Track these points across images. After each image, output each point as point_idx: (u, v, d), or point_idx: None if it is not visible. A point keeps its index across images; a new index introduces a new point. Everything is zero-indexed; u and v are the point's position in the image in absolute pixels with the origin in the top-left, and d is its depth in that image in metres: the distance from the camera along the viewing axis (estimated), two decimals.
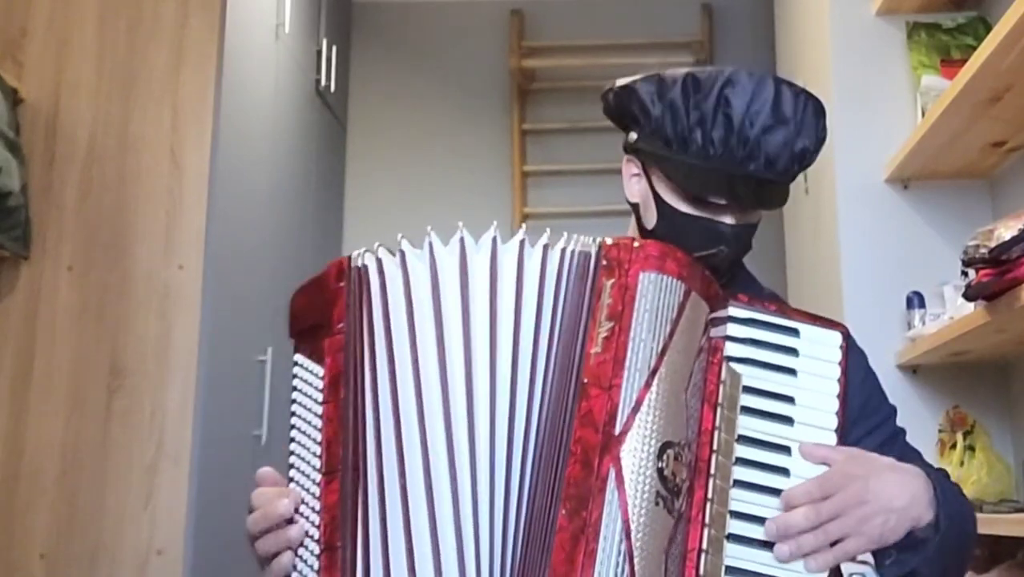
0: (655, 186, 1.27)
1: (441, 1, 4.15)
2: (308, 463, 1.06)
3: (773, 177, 1.22)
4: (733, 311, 1.10)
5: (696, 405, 1.04)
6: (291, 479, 1.07)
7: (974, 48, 2.04)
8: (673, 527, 0.98)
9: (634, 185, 1.31)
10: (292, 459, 1.07)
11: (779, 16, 3.42)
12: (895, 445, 1.26)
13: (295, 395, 1.09)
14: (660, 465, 0.98)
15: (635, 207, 1.32)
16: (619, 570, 0.93)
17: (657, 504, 0.97)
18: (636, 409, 0.98)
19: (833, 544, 1.03)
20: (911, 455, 1.27)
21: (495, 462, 1.00)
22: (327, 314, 1.08)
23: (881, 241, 2.51)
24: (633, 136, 1.29)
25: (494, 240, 1.06)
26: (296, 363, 1.11)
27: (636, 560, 0.94)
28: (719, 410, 1.05)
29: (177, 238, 2.51)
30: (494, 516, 0.99)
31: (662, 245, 1.06)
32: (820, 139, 1.26)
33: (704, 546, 1.00)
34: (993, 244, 1.73)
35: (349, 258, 1.10)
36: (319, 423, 1.05)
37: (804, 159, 1.24)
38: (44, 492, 2.40)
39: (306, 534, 1.04)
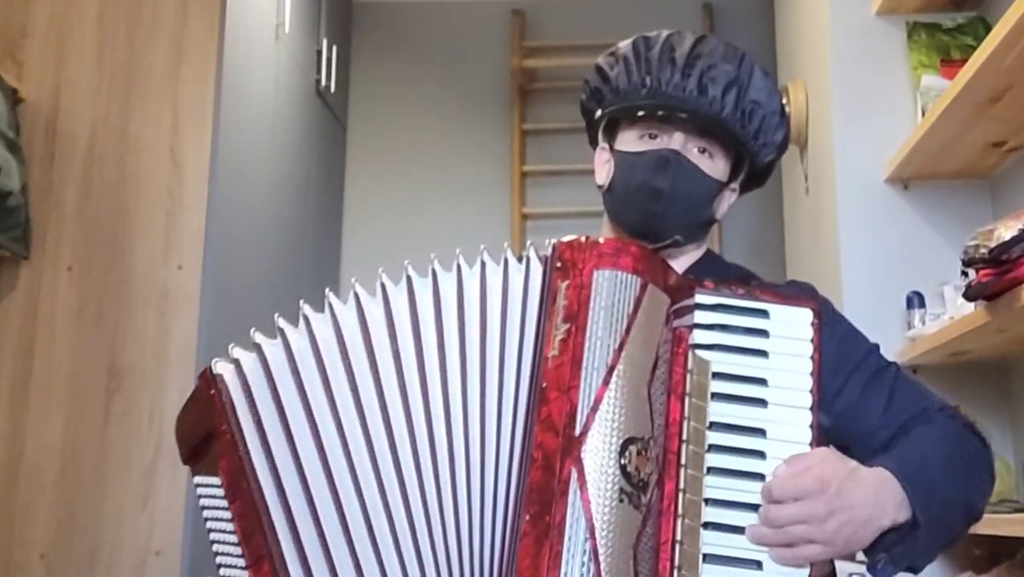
0: (617, 148, 1.32)
1: (441, 1, 4.15)
2: (236, 566, 1.07)
3: (719, 118, 1.26)
4: (700, 298, 1.10)
5: (661, 398, 1.04)
6: None
7: (974, 48, 2.04)
8: (641, 522, 0.98)
9: (603, 169, 1.36)
10: (222, 571, 1.09)
11: (779, 16, 3.42)
12: (882, 384, 1.24)
13: (206, 513, 1.11)
14: (623, 462, 0.97)
15: (602, 190, 1.35)
16: (584, 569, 0.94)
17: (621, 500, 0.97)
18: (595, 408, 0.99)
19: (798, 544, 1.02)
20: (905, 391, 1.25)
21: (470, 485, 1.02)
22: (211, 423, 1.10)
23: (881, 241, 2.51)
24: (598, 113, 1.34)
25: (330, 306, 1.10)
26: (197, 485, 1.13)
27: (602, 557, 0.94)
28: (687, 400, 1.05)
29: (177, 238, 2.51)
30: (467, 536, 1.01)
31: (616, 242, 1.07)
32: (775, 99, 1.29)
33: (678, 537, 1.00)
34: (993, 244, 1.73)
35: (209, 367, 1.14)
36: (230, 526, 1.07)
37: (755, 115, 1.27)
38: (43, 493, 2.40)
39: None
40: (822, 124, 2.71)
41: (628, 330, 1.02)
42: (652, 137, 1.28)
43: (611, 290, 1.03)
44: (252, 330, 1.12)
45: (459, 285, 1.08)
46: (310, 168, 3.50)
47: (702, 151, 1.28)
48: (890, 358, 2.42)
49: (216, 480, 1.09)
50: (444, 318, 1.07)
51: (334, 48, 3.64)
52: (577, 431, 0.97)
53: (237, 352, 1.12)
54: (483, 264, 1.08)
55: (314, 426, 1.06)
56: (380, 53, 4.12)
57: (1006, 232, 1.71)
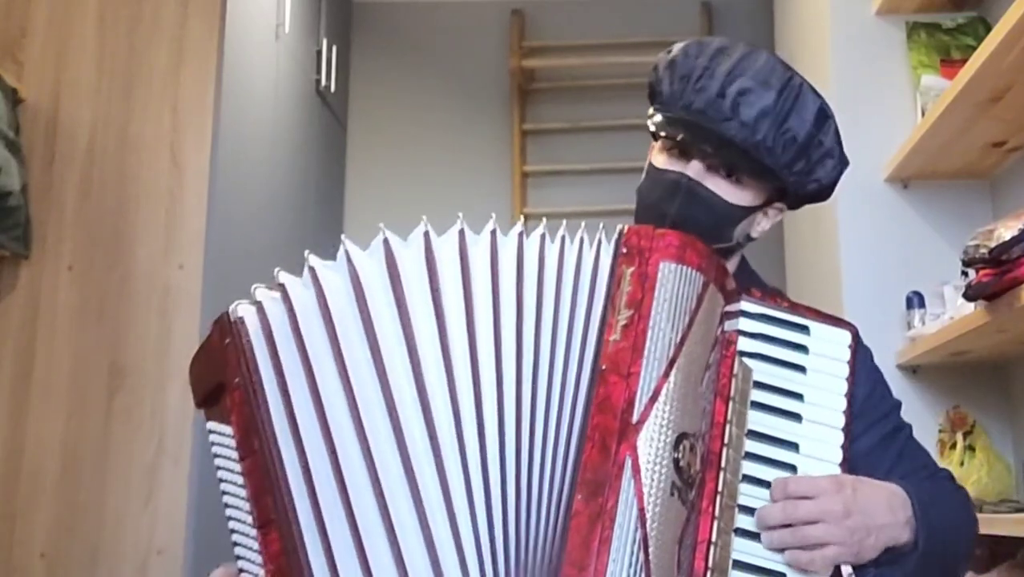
0: (651, 156, 1.29)
1: (441, 1, 4.15)
2: (244, 521, 1.03)
3: (746, 144, 1.21)
4: (746, 306, 1.10)
5: (710, 397, 1.04)
6: (235, 543, 1.05)
7: (974, 48, 2.04)
8: (686, 518, 0.98)
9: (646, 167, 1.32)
10: (231, 524, 1.05)
11: (779, 16, 3.42)
12: (896, 441, 1.25)
13: (217, 460, 1.07)
14: (676, 456, 0.97)
15: None
16: (633, 558, 0.93)
17: (672, 494, 0.96)
18: (654, 399, 0.98)
19: (815, 547, 1.02)
20: (913, 451, 1.26)
21: (469, 468, 0.96)
22: (222, 374, 1.04)
23: (881, 241, 2.51)
24: (650, 111, 1.30)
25: (385, 241, 1.02)
26: (211, 431, 1.08)
27: (651, 548, 0.93)
28: (731, 404, 1.05)
29: (177, 238, 2.51)
30: (485, 515, 0.95)
31: (682, 235, 1.05)
32: (825, 127, 1.26)
33: (713, 538, 1.00)
34: (993, 244, 1.73)
35: (227, 313, 1.05)
36: (241, 480, 1.02)
37: (791, 146, 1.22)
38: (44, 492, 2.40)
39: None
40: None
41: (690, 326, 1.01)
42: (680, 154, 1.25)
43: (676, 284, 1.02)
44: (276, 271, 1.03)
45: (518, 251, 1.02)
46: (310, 168, 3.50)
47: (729, 175, 1.24)
48: (890, 358, 2.45)
49: (225, 428, 1.04)
50: (518, 283, 1.01)
51: (334, 48, 3.63)
52: (635, 418, 0.96)
53: (260, 294, 1.04)
54: (563, 238, 1.05)
55: (348, 384, 0.97)
56: (380, 53, 4.12)
57: (1006, 232, 1.72)
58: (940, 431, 2.38)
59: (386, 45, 4.13)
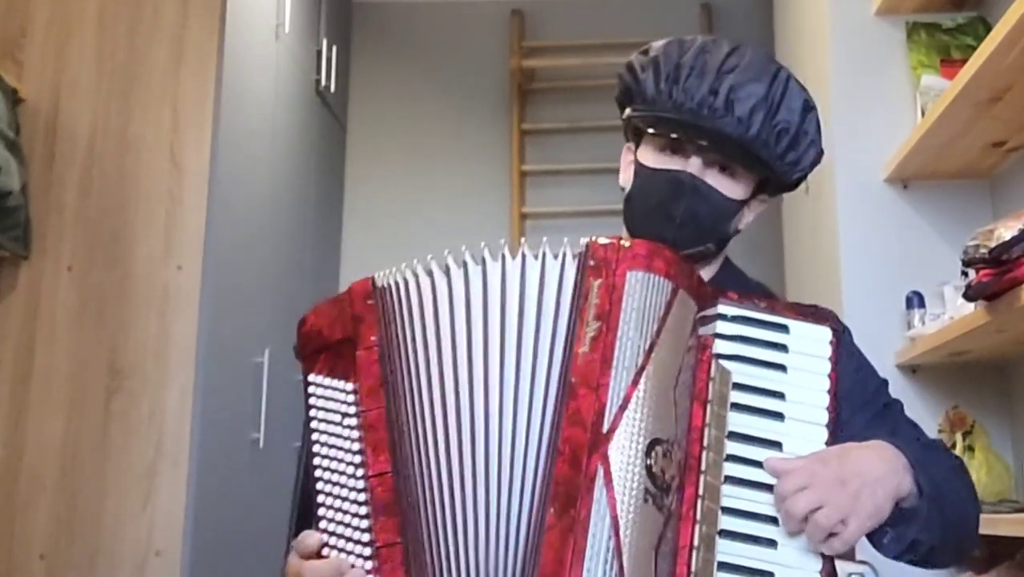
0: (638, 156, 1.28)
1: (441, 1, 4.15)
2: (343, 473, 1.06)
3: (742, 139, 1.21)
4: (723, 308, 1.10)
5: (685, 403, 1.04)
6: (320, 491, 1.07)
7: (974, 48, 2.04)
8: (663, 524, 0.98)
9: (626, 171, 1.32)
10: (320, 472, 1.08)
11: (779, 16, 3.42)
12: (887, 418, 1.24)
13: (314, 412, 1.10)
14: (648, 462, 0.98)
15: (623, 192, 1.32)
16: (608, 567, 0.94)
17: (646, 501, 0.97)
18: (623, 407, 0.99)
19: (832, 535, 1.01)
20: (905, 426, 1.25)
21: (500, 466, 1.02)
22: (355, 331, 1.10)
23: (881, 241, 2.51)
24: (626, 112, 1.30)
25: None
26: (312, 383, 1.11)
27: (625, 557, 0.94)
28: (709, 407, 1.05)
29: (177, 238, 2.51)
30: (496, 518, 1.01)
31: (650, 244, 1.07)
32: (809, 116, 1.25)
33: (695, 543, 1.00)
34: (993, 244, 1.73)
35: (373, 279, 1.12)
36: (352, 433, 1.06)
37: (783, 136, 1.23)
38: (43, 493, 2.40)
39: (345, 537, 1.05)
40: (822, 124, 2.71)
41: (659, 333, 1.03)
42: (673, 151, 1.25)
43: (643, 292, 1.03)
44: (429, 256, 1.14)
45: (503, 274, 1.08)
46: (310, 168, 3.50)
47: (723, 169, 1.24)
48: (890, 358, 2.45)
49: (337, 383, 1.09)
50: (488, 305, 1.07)
51: (334, 48, 3.63)
52: (605, 428, 0.98)
53: (409, 274, 1.12)
54: (523, 256, 1.08)
55: (455, 371, 1.05)
56: (380, 53, 4.12)
57: (1006, 232, 1.71)
58: (940, 431, 2.37)
59: (386, 45, 4.13)
